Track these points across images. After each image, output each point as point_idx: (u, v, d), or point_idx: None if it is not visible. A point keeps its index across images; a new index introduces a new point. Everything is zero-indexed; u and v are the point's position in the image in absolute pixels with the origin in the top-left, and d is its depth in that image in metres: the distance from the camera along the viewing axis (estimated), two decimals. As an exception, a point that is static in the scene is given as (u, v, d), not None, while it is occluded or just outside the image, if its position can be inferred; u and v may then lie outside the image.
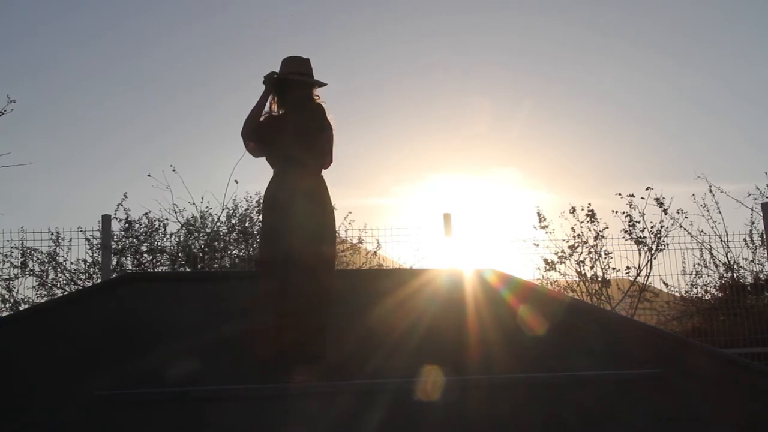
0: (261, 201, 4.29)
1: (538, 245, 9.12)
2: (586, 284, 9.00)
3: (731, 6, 17.87)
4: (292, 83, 4.11)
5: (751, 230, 9.12)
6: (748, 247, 9.15)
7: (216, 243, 9.31)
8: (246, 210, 9.67)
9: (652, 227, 9.02)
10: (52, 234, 8.64)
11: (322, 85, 4.19)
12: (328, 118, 4.16)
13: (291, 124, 4.09)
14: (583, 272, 9.05)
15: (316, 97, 4.18)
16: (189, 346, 3.77)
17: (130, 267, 8.91)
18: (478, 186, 14.09)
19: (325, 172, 4.14)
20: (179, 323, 4.04)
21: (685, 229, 9.06)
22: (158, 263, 9.05)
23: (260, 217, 4.35)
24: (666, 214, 9.04)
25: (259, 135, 4.09)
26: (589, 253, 9.07)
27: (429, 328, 4.05)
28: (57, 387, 3.50)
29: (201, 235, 9.26)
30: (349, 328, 3.99)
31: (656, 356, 4.09)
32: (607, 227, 9.12)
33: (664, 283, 9.00)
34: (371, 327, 4.05)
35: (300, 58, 4.18)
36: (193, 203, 9.26)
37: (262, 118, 4.12)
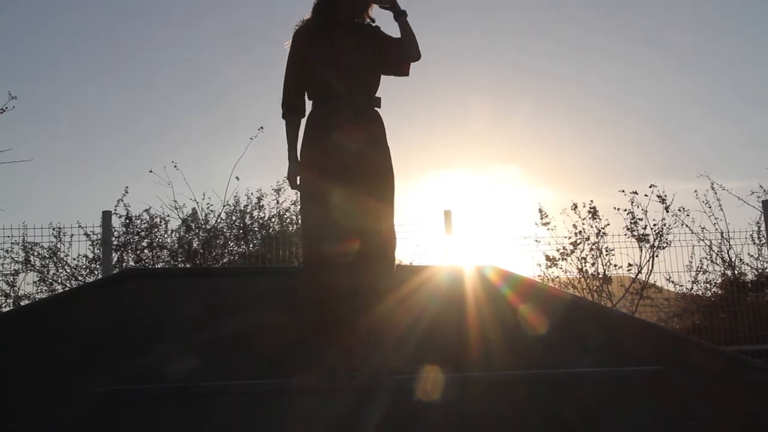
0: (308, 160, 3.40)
1: (539, 242, 9.14)
2: (587, 281, 9.01)
3: (731, 6, 17.84)
4: None
5: (758, 228, 9.13)
6: (754, 243, 9.17)
7: (216, 240, 9.31)
8: (245, 207, 9.68)
9: (654, 225, 9.03)
10: (53, 230, 8.67)
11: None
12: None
13: (344, 55, 3.41)
14: (584, 269, 9.06)
15: (369, 20, 3.51)
16: (190, 342, 3.76)
17: (131, 263, 8.92)
18: (479, 183, 14.09)
19: None
20: (181, 319, 4.04)
21: (687, 226, 9.09)
22: (158, 259, 9.06)
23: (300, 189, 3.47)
24: (668, 211, 9.06)
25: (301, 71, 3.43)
26: (591, 250, 9.07)
27: (429, 325, 4.04)
28: (58, 383, 3.50)
29: (200, 231, 9.26)
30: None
31: (657, 353, 4.09)
32: (609, 224, 9.15)
33: (668, 280, 9.02)
34: (371, 326, 4.03)
35: None
36: (194, 199, 9.28)
37: (300, 36, 3.44)
